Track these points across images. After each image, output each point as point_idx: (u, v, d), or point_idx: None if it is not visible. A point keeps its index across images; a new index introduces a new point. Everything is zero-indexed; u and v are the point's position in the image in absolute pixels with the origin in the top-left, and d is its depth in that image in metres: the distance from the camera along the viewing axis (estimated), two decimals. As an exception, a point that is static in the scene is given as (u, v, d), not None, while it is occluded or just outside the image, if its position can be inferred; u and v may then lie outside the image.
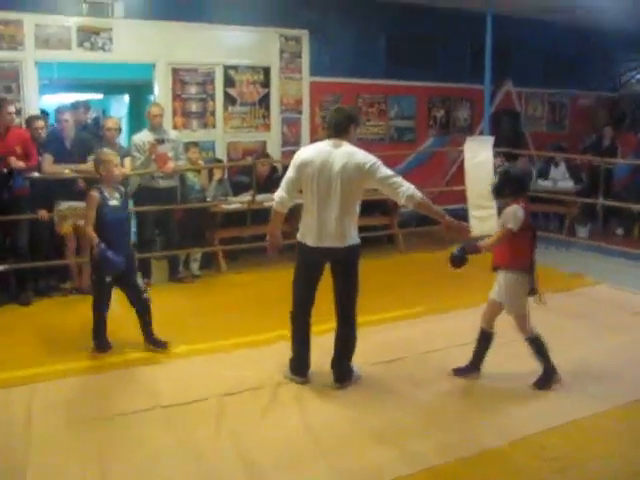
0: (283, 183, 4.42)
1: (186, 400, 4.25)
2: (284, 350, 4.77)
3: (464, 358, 4.71)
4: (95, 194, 5.02)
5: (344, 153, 4.26)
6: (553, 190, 9.71)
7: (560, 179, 10.12)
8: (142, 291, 5.22)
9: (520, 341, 4.55)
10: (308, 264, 4.42)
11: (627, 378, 4.62)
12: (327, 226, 4.25)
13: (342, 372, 4.50)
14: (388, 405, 4.22)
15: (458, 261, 4.35)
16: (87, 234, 5.03)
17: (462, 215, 8.74)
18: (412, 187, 4.20)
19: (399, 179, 4.24)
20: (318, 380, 4.53)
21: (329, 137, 4.39)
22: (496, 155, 8.51)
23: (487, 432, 3.86)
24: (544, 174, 10.35)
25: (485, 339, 4.58)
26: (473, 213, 8.43)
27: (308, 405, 4.21)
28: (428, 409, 4.18)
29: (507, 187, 4.44)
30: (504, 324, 5.21)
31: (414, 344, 4.56)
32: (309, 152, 4.38)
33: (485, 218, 8.38)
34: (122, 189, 5.30)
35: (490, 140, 8.59)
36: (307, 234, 4.37)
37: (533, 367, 4.71)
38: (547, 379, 4.46)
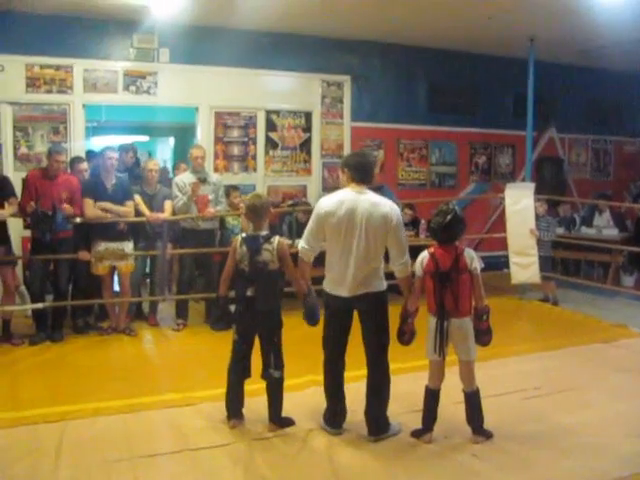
0: (306, 234, 4.33)
1: (214, 443, 4.19)
2: (315, 396, 4.68)
3: (496, 408, 4.57)
4: None
5: (369, 202, 4.17)
6: (597, 238, 9.51)
7: (604, 227, 9.93)
8: None
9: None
10: (336, 313, 4.32)
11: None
12: (351, 275, 4.16)
13: (376, 424, 4.32)
14: (420, 457, 4.09)
15: (404, 335, 4.26)
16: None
17: (504, 262, 8.66)
18: (410, 262, 4.24)
19: (407, 247, 4.26)
20: (351, 429, 4.40)
21: (355, 182, 4.26)
22: (537, 201, 8.40)
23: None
24: (588, 221, 10.20)
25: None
26: (514, 260, 8.31)
27: (338, 453, 4.10)
28: (460, 461, 4.05)
29: (460, 227, 4.18)
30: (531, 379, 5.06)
31: (448, 393, 4.42)
32: (332, 202, 4.24)
33: (526, 265, 8.25)
34: None
35: (531, 187, 8.50)
36: (332, 283, 4.30)
37: (564, 422, 4.56)
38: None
